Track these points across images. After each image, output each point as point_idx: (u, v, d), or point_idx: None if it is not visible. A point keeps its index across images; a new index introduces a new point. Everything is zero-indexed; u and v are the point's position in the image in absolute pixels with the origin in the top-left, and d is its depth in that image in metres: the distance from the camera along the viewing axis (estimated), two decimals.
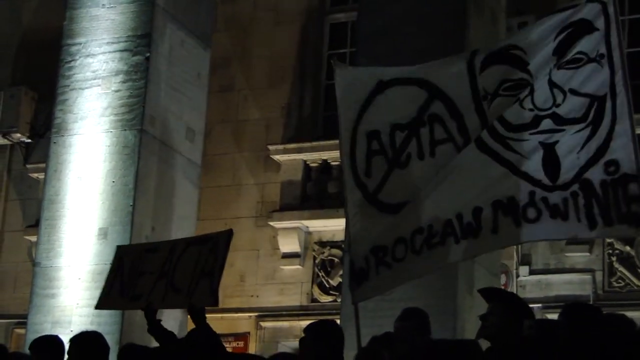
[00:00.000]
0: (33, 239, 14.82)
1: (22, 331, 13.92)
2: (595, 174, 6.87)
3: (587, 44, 7.00)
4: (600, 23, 6.99)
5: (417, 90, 7.44)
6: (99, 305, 8.34)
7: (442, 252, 7.18)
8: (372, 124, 7.60)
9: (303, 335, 6.71)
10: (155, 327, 7.47)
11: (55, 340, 7.78)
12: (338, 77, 7.95)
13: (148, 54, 12.59)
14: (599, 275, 13.84)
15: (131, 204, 12.10)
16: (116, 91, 12.54)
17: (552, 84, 7.05)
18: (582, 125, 6.98)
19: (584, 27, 7.03)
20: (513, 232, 7.05)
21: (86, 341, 7.40)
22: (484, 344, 5.78)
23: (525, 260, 14.08)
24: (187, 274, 7.59)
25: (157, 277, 7.82)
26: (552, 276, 14.01)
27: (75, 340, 7.40)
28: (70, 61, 12.84)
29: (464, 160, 7.21)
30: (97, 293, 11.70)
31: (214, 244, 7.54)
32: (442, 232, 7.16)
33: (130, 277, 8.08)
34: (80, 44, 12.85)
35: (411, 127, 7.41)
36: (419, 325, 6.88)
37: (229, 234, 7.50)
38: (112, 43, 12.74)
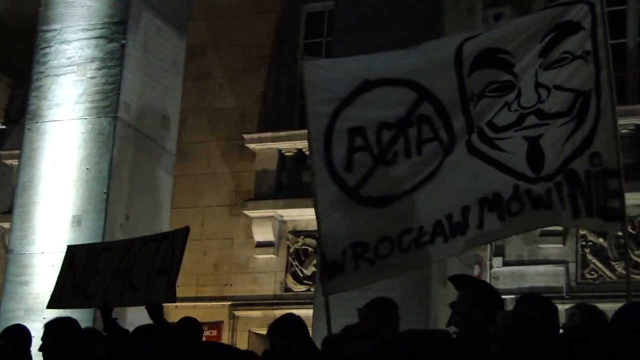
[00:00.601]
0: (6, 225, 14.75)
1: None
2: (581, 165, 7.00)
3: (572, 44, 7.12)
4: (587, 22, 7.10)
5: (406, 91, 7.47)
6: (50, 305, 8.33)
7: (430, 250, 7.30)
8: (355, 121, 7.59)
9: (269, 333, 6.74)
10: (111, 326, 7.50)
11: (22, 330, 7.75)
12: (307, 70, 7.89)
13: (124, 41, 12.53)
14: (572, 267, 13.91)
15: (105, 191, 12.06)
16: (91, 78, 12.48)
17: (537, 85, 7.15)
18: (567, 118, 7.10)
19: (570, 28, 7.14)
20: (497, 226, 7.20)
21: (61, 327, 7.36)
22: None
23: (499, 252, 14.14)
24: (145, 271, 7.68)
25: (112, 276, 7.92)
26: (525, 267, 14.07)
27: (50, 326, 7.36)
28: (46, 47, 12.76)
29: (453, 162, 7.29)
30: None
31: (172, 241, 7.63)
32: (432, 232, 7.26)
33: (83, 276, 8.17)
34: (56, 30, 12.78)
35: (399, 126, 7.46)
36: (385, 315, 6.88)
37: (185, 232, 7.59)
38: (88, 30, 12.67)
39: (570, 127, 7.07)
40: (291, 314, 6.82)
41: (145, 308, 7.41)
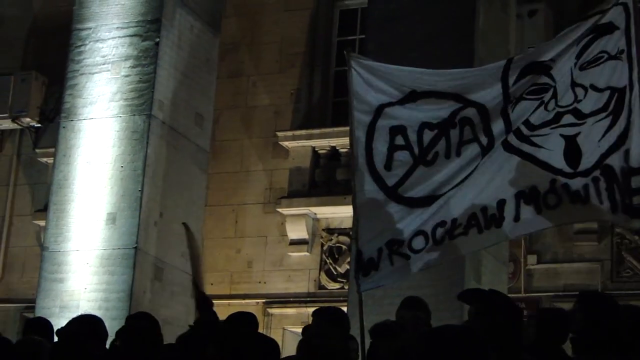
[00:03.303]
0: (42, 223, 14.85)
1: (30, 315, 13.95)
2: (616, 160, 6.99)
3: (608, 43, 7.17)
4: (621, 21, 7.13)
5: (451, 102, 7.53)
6: None
7: (463, 241, 7.30)
8: (397, 120, 7.63)
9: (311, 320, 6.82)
10: None
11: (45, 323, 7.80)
12: (354, 69, 7.90)
13: (158, 39, 12.58)
14: (607, 265, 13.81)
15: (139, 189, 12.10)
16: (125, 76, 12.54)
17: (574, 84, 7.18)
18: (602, 115, 7.12)
19: (606, 29, 7.17)
20: (534, 219, 7.21)
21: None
22: None
23: (533, 249, 14.06)
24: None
25: None
26: (560, 265, 13.98)
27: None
28: (80, 46, 12.83)
29: (490, 163, 7.31)
30: (105, 278, 11.84)
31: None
32: (465, 224, 7.26)
33: None
34: (90, 28, 12.84)
35: (441, 127, 7.49)
36: (426, 314, 6.90)
37: (185, 227, 7.92)
38: (122, 28, 12.73)
39: (606, 124, 7.09)
40: (338, 309, 6.92)
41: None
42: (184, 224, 8.16)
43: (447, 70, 7.83)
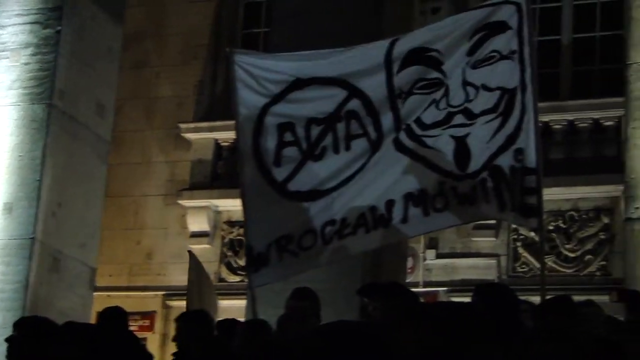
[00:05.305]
0: None
1: None
2: (506, 160, 7.10)
3: (500, 42, 7.24)
4: (513, 21, 7.23)
5: (336, 90, 7.52)
6: None
7: (352, 241, 7.35)
8: (285, 117, 7.59)
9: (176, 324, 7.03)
10: None
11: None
12: (236, 65, 7.78)
13: (59, 28, 12.42)
14: (503, 260, 14.05)
15: (38, 178, 11.95)
16: (25, 64, 12.36)
17: (465, 83, 7.23)
18: (492, 115, 7.21)
19: (498, 28, 7.25)
20: (421, 221, 7.29)
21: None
22: None
23: (432, 244, 14.23)
24: None
25: None
26: (458, 260, 14.19)
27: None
28: None
29: (381, 160, 7.33)
30: (0, 268, 11.64)
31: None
32: (354, 223, 7.30)
33: None
34: None
35: (328, 121, 7.49)
36: (312, 305, 6.96)
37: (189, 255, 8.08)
38: (23, 15, 12.55)
39: (495, 125, 7.20)
40: (200, 311, 7.10)
41: None
42: (189, 252, 8.22)
43: (328, 51, 7.77)
